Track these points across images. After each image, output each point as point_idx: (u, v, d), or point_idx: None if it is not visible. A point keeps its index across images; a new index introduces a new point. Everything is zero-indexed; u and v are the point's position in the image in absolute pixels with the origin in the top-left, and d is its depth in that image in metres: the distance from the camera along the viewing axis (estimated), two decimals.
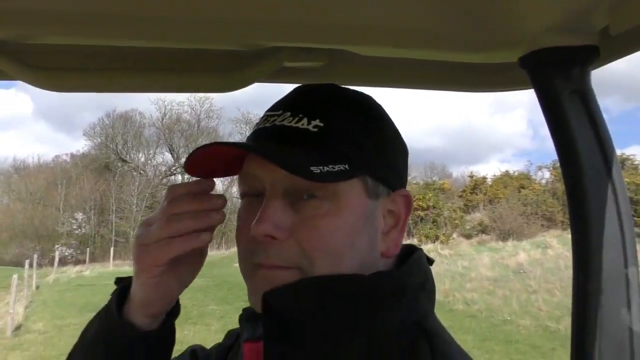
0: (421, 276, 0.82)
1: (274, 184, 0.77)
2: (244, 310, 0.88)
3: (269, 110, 0.85)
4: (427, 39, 0.96)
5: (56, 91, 1.04)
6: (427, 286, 0.82)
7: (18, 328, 14.80)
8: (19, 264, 31.05)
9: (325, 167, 0.73)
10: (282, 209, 0.76)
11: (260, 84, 1.16)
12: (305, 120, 0.79)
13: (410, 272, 0.80)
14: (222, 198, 0.80)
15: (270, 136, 0.80)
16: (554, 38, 0.92)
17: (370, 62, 1.11)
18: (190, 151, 0.78)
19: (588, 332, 0.86)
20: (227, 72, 1.08)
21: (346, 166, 0.76)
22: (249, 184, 0.82)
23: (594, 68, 0.96)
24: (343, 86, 0.90)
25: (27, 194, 55.90)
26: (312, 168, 0.72)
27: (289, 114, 0.81)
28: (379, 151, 0.82)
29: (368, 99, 0.88)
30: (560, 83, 0.92)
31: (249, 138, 0.85)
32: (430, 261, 0.88)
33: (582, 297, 0.87)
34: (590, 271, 0.86)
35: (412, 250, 0.86)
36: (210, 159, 0.80)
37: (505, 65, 1.04)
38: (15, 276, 15.86)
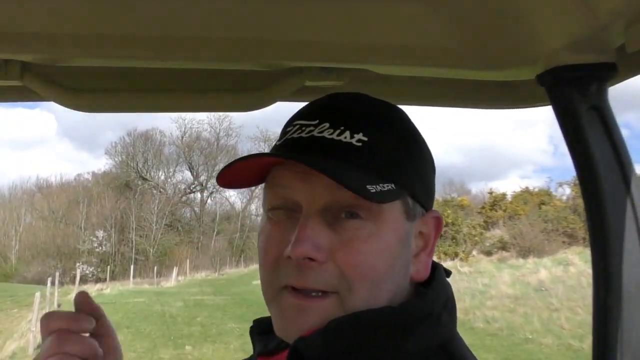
0: (444, 295, 0.79)
1: (313, 200, 0.72)
2: (255, 322, 0.84)
3: (299, 118, 0.79)
4: (446, 57, 0.98)
5: (86, 111, 1.08)
6: (449, 304, 0.79)
7: (40, 346, 14.91)
8: (41, 281, 31.36)
9: (377, 186, 0.69)
10: (320, 229, 0.71)
11: (283, 103, 1.18)
12: (347, 134, 0.73)
13: (436, 295, 0.77)
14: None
15: (310, 148, 0.74)
16: (571, 56, 0.93)
17: (389, 80, 1.13)
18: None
19: (609, 347, 0.86)
20: (249, 92, 1.11)
21: (393, 185, 0.72)
22: (282, 197, 0.75)
23: (612, 85, 0.97)
24: (374, 97, 0.84)
25: (50, 212, 56.68)
26: (368, 187, 0.68)
27: (327, 124, 0.74)
28: (417, 169, 0.78)
29: (403, 113, 0.83)
30: (578, 100, 0.93)
31: (278, 147, 0.79)
32: (448, 274, 0.85)
33: (602, 312, 0.87)
34: (610, 286, 0.86)
35: (432, 266, 0.83)
36: (241, 170, 0.76)
37: (523, 83, 1.06)
38: (37, 294, 16.02)
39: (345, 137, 0.73)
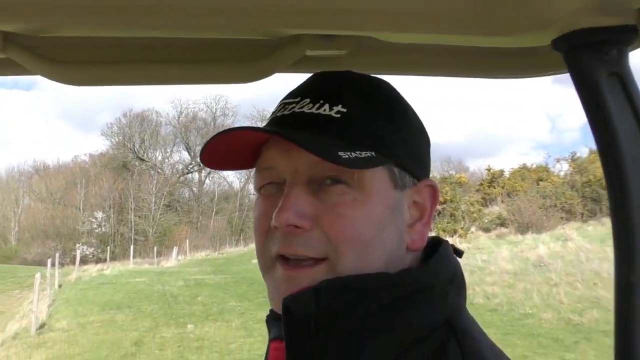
0: (449, 271, 0.78)
1: (297, 173, 0.74)
2: (272, 310, 0.84)
3: (285, 98, 0.82)
4: (455, 23, 0.92)
5: (74, 85, 1.02)
6: (455, 281, 0.78)
7: (42, 326, 15.00)
8: (42, 263, 31.52)
9: (352, 153, 0.70)
10: (305, 197, 0.73)
11: (280, 79, 1.13)
12: (326, 106, 0.75)
13: (438, 268, 0.76)
14: None
15: (290, 123, 0.76)
16: (589, 18, 0.87)
17: (394, 49, 1.07)
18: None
19: (632, 325, 0.81)
20: (247, 63, 1.05)
21: (372, 153, 0.73)
22: (268, 175, 0.78)
23: (633, 49, 0.91)
24: (362, 73, 0.86)
25: (48, 194, 56.86)
26: (340, 153, 0.69)
27: (307, 100, 0.77)
28: (403, 139, 0.78)
29: (388, 86, 0.85)
30: (597, 66, 0.87)
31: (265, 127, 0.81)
32: (459, 253, 0.84)
33: (625, 290, 0.83)
34: (634, 263, 0.82)
35: (438, 242, 0.82)
36: (227, 151, 0.78)
37: (538, 49, 1.00)
38: (38, 275, 16.05)
39: (325, 110, 0.75)
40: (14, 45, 0.94)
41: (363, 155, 0.71)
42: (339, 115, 0.75)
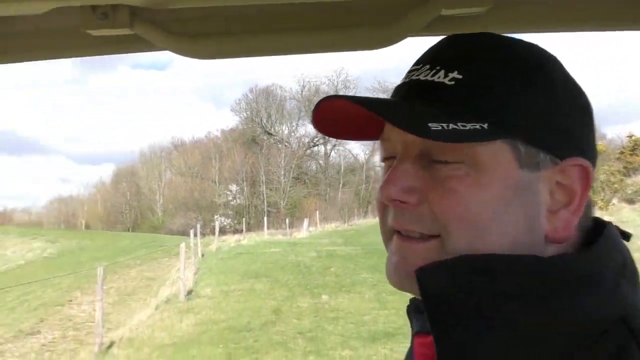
0: (618, 258, 0.67)
1: (407, 145, 0.70)
2: (412, 300, 0.79)
3: (413, 64, 0.76)
4: None
5: (201, 58, 1.01)
6: (626, 271, 0.67)
7: (189, 293, 16.09)
8: (185, 233, 33.86)
9: (451, 125, 0.63)
10: (412, 172, 0.69)
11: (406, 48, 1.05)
12: (441, 73, 0.69)
13: (602, 254, 0.66)
14: None
15: (403, 92, 0.72)
16: None
17: (541, 1, 0.95)
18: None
19: None
20: (377, 27, 0.98)
21: (484, 125, 0.64)
22: (386, 147, 0.75)
23: None
24: (505, 35, 0.75)
25: (186, 168, 61.00)
26: (430, 124, 0.62)
27: (427, 67, 0.71)
28: (538, 110, 0.67)
29: (531, 47, 0.73)
30: None
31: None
32: (627, 236, 0.72)
33: None
34: None
35: (600, 224, 0.71)
36: (344, 121, 0.75)
37: None
38: (183, 245, 17.19)
39: (439, 77, 0.69)
40: (140, 21, 0.94)
41: (467, 127, 0.63)
42: (452, 83, 0.68)
